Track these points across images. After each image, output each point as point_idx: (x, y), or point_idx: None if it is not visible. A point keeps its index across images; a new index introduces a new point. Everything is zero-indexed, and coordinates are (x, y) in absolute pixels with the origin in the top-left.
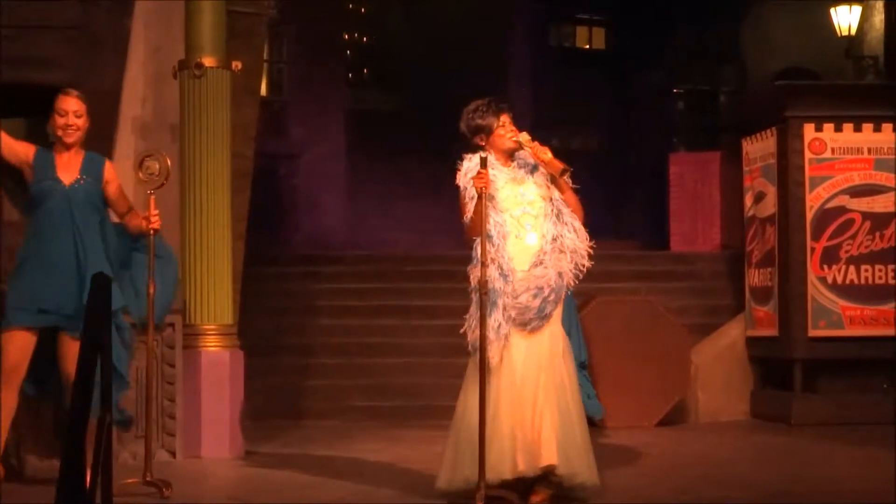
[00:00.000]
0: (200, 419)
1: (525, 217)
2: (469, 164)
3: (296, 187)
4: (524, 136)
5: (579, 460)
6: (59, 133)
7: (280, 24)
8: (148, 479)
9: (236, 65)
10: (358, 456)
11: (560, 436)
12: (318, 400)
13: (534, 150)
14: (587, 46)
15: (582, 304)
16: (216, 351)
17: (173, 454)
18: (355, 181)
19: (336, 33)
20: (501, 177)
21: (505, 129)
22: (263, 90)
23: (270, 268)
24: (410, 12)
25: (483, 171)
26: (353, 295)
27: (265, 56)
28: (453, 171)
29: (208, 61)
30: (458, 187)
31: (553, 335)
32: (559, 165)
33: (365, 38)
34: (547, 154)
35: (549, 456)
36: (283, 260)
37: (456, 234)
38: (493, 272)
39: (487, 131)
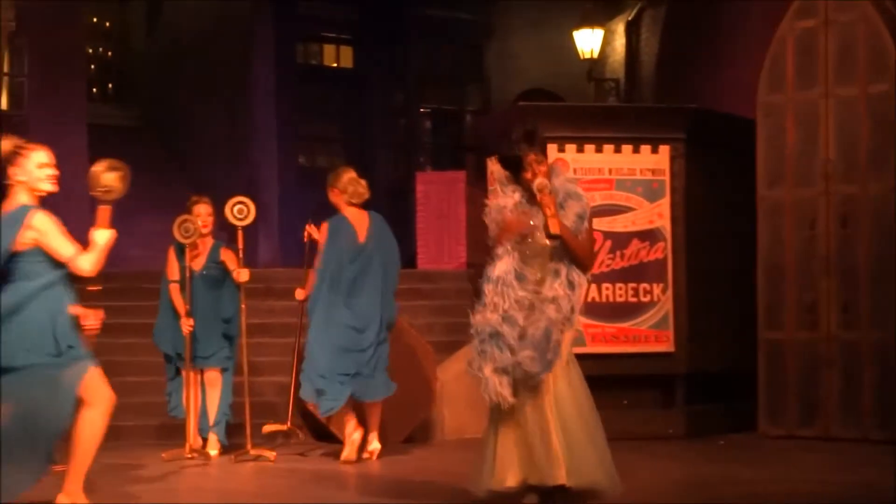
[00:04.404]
0: None
1: None
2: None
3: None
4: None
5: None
6: None
7: (20, 36)
8: None
9: None
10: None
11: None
12: None
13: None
14: (335, 65)
15: None
16: None
17: None
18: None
19: (78, 47)
20: None
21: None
22: (3, 104)
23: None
24: (154, 27)
25: None
26: None
27: (4, 69)
28: (194, 187)
29: None
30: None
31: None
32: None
33: (109, 53)
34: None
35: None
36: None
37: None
38: None
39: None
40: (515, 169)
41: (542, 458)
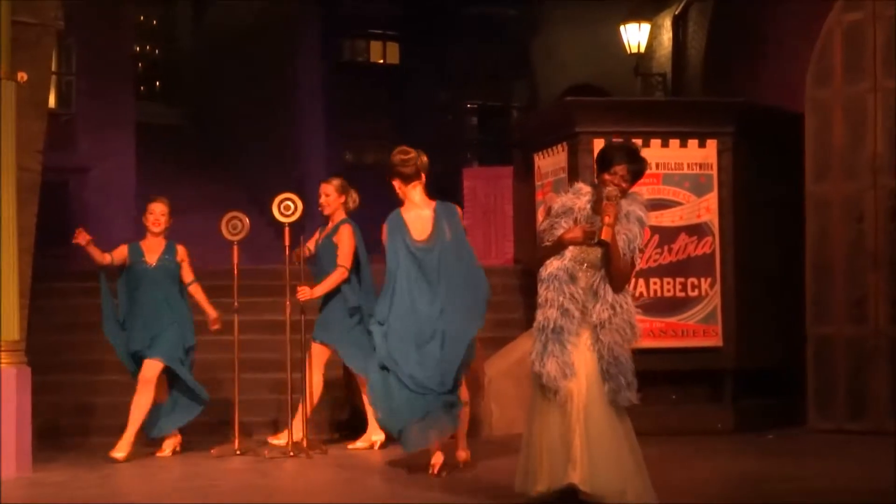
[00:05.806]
0: None
1: None
2: None
3: (84, 201)
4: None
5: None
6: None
7: (68, 35)
8: None
9: (21, 76)
10: (148, 474)
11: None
12: (107, 417)
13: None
14: (381, 61)
15: None
16: (2, 367)
17: None
18: (144, 195)
19: (126, 45)
20: None
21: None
22: (51, 102)
23: (58, 283)
24: (200, 26)
25: None
26: None
27: (53, 68)
28: (241, 184)
29: None
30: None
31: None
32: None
33: (157, 51)
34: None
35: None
36: (70, 275)
37: (248, 248)
38: None
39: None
40: (604, 164)
41: (560, 458)
